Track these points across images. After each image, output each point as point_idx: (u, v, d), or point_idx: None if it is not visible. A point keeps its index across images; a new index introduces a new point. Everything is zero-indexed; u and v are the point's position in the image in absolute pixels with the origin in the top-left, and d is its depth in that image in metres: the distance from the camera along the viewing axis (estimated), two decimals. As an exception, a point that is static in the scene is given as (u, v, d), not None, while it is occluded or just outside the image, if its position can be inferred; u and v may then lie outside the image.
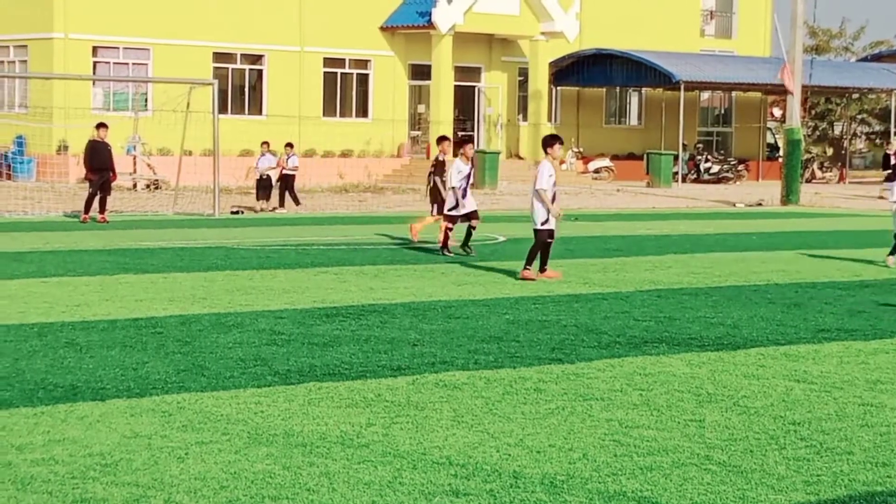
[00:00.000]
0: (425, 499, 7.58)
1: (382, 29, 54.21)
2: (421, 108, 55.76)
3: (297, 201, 36.67)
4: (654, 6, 61.93)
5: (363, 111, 54.64)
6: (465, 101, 56.72)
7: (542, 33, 55.66)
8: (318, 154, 52.44)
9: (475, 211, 22.95)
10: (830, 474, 8.30)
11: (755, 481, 8.10)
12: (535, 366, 11.90)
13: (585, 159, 58.20)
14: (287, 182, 36.81)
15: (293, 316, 14.79)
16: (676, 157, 56.21)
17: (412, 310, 15.49)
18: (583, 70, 59.18)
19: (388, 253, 23.15)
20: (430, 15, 52.63)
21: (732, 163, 61.03)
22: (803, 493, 7.86)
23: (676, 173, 55.69)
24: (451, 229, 22.98)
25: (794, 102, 44.65)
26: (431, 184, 24.33)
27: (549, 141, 19.28)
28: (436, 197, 24.18)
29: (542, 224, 19.05)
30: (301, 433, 9.11)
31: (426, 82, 54.49)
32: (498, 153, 51.61)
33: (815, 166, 65.32)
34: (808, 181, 58.50)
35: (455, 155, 24.23)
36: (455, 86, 54.78)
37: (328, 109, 53.58)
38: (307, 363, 11.78)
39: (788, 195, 44.39)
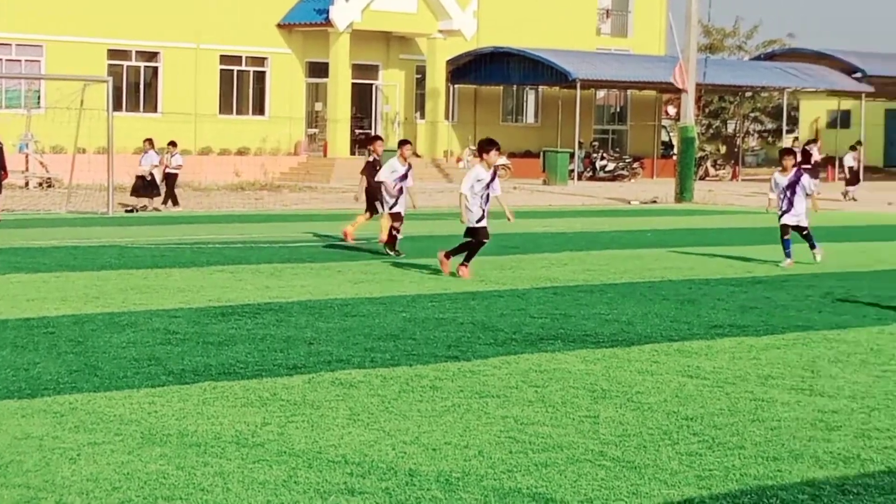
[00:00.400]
0: (320, 497, 7.56)
1: (279, 26, 53.97)
2: (318, 106, 55.61)
3: (175, 202, 36.15)
4: (550, 5, 62.26)
5: (260, 109, 54.37)
6: (362, 99, 56.64)
7: (440, 31, 55.75)
8: (214, 152, 52.10)
9: (399, 213, 22.73)
10: (722, 469, 8.40)
11: (648, 476, 8.18)
12: (432, 363, 11.92)
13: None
14: (170, 181, 36.46)
15: (188, 315, 14.68)
16: (572, 155, 56.58)
17: (308, 308, 15.45)
18: (480, 68, 59.38)
19: (284, 251, 23.06)
20: (327, 12, 52.50)
21: (628, 160, 61.53)
22: (695, 488, 7.94)
23: (572, 171, 56.05)
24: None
25: (689, 101, 45.10)
26: (365, 184, 24.50)
27: (485, 146, 19.22)
28: (370, 197, 24.28)
29: (477, 222, 19.06)
30: (195, 433, 9.04)
31: (323, 80, 54.35)
32: (395, 151, 51.50)
33: (708, 164, 66.06)
34: (701, 178, 59.11)
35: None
36: (353, 83, 54.70)
37: (225, 107, 53.25)
38: (202, 362, 11.69)
39: (682, 192, 44.83)
